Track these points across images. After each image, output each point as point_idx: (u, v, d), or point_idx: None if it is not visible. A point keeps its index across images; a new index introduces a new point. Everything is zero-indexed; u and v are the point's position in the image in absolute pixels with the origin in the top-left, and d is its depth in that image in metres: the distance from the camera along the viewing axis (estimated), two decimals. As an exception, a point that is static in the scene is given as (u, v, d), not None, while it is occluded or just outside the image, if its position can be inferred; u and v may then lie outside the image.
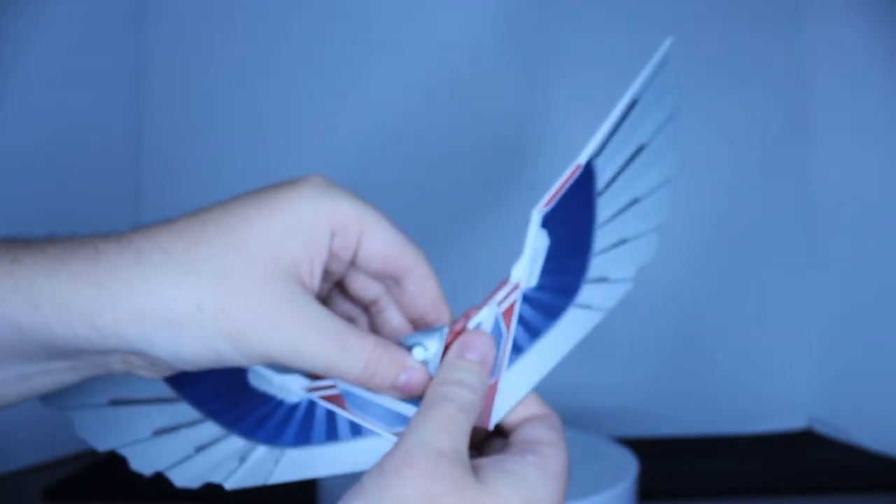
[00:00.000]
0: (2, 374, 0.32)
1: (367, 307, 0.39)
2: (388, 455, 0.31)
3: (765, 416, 0.90)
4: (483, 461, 0.32)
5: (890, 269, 0.81)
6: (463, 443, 0.31)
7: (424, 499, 0.29)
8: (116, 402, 0.38)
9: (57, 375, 0.33)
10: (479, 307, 0.37)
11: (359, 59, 0.88)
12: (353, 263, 0.37)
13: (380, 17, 0.89)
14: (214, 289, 0.32)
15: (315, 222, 0.35)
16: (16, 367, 0.33)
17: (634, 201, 0.40)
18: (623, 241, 0.40)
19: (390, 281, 0.38)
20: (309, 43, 0.89)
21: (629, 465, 0.62)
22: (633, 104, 0.38)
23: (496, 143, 0.89)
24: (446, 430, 0.31)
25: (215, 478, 0.38)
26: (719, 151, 0.90)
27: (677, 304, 0.90)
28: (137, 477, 0.37)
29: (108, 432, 0.38)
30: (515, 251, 0.37)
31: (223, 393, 0.38)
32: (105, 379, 0.37)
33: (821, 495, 0.72)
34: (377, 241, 0.36)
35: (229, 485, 0.37)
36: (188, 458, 0.38)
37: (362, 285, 0.38)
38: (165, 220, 0.33)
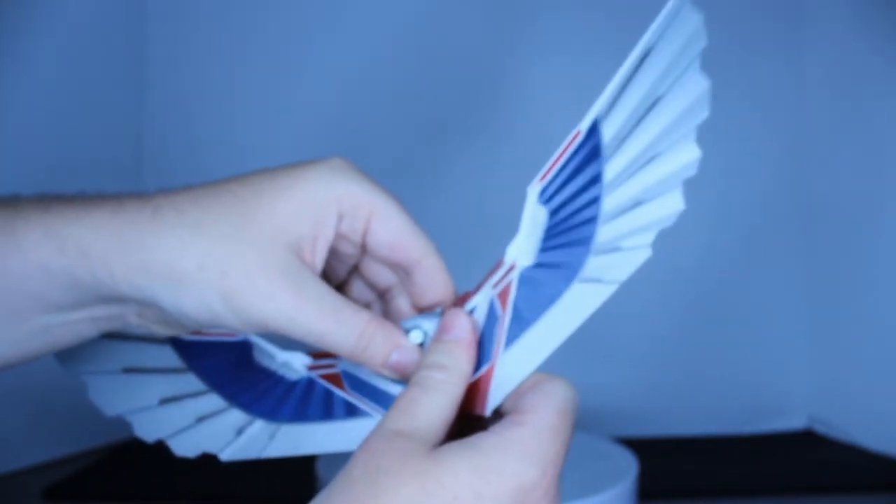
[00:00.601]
0: (27, 325, 0.35)
1: (381, 294, 0.40)
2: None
3: (765, 416, 0.90)
4: (451, 443, 0.31)
5: (890, 270, 0.81)
6: (426, 422, 0.31)
7: (371, 474, 0.29)
8: (129, 370, 0.40)
9: (77, 328, 0.36)
10: (475, 290, 0.37)
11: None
12: (364, 249, 0.38)
13: None
14: (217, 251, 0.34)
15: (324, 202, 0.36)
16: (40, 318, 0.35)
17: (653, 157, 0.36)
18: (638, 204, 0.36)
19: (400, 271, 0.38)
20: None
21: (629, 465, 0.62)
22: (645, 54, 0.34)
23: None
24: (405, 411, 0.31)
25: (212, 448, 0.38)
26: (718, 152, 0.90)
27: (677, 304, 0.90)
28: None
29: (118, 398, 0.40)
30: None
31: (228, 366, 0.40)
32: (119, 346, 0.40)
33: (821, 495, 0.72)
34: (385, 229, 0.37)
35: (224, 456, 0.38)
36: (189, 427, 0.39)
37: (376, 272, 0.39)
38: (187, 186, 0.35)
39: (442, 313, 0.36)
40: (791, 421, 0.90)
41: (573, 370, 1.00)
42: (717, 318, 0.90)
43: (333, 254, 0.37)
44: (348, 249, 0.38)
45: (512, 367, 0.35)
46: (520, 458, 0.30)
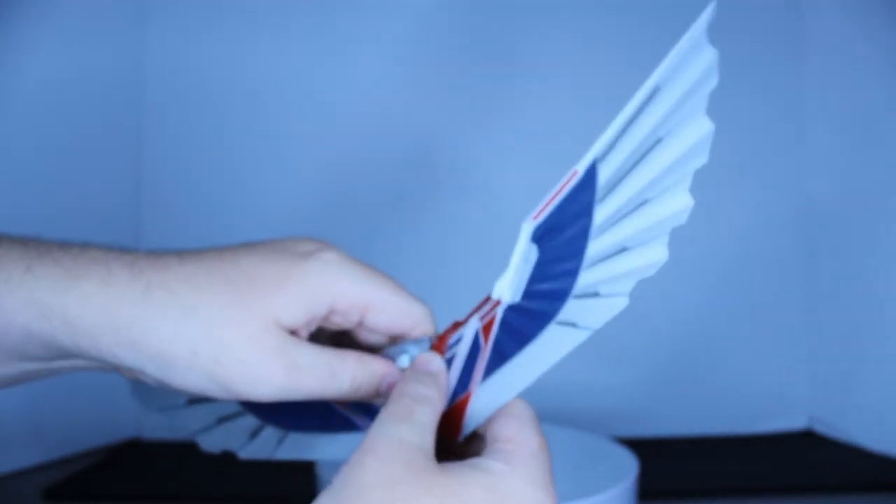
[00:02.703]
0: (3, 368, 0.35)
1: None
2: (355, 451, 0.31)
3: (765, 416, 0.90)
4: (452, 462, 0.32)
5: (889, 269, 0.81)
6: (425, 435, 0.31)
7: (384, 483, 0.29)
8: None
9: (58, 370, 0.36)
10: (464, 320, 0.37)
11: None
12: (359, 326, 0.39)
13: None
14: (210, 338, 0.34)
15: (318, 300, 0.36)
16: (20, 364, 0.35)
17: (644, 202, 0.35)
18: (622, 250, 0.35)
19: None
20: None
21: (629, 465, 0.62)
22: (654, 92, 0.33)
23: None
24: (406, 419, 0.31)
25: (232, 447, 0.42)
26: (717, 154, 0.90)
27: (677, 304, 0.90)
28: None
29: (154, 396, 0.42)
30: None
31: None
32: None
33: (821, 495, 0.72)
34: (381, 319, 0.37)
35: (242, 455, 0.41)
36: (212, 426, 0.42)
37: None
38: (176, 254, 0.35)
39: (429, 342, 0.38)
40: (791, 421, 0.90)
41: (573, 370, 1.00)
42: (717, 319, 0.90)
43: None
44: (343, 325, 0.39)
45: (486, 399, 0.35)
46: (527, 481, 0.31)
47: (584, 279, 0.35)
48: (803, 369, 0.90)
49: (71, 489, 0.72)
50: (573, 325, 0.36)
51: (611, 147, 0.34)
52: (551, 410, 0.86)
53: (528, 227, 0.35)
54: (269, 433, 0.42)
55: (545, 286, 0.36)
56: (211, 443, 0.42)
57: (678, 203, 0.35)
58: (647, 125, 0.34)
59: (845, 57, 0.85)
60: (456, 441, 0.36)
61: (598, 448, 0.67)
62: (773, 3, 0.90)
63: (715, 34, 0.34)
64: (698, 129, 0.34)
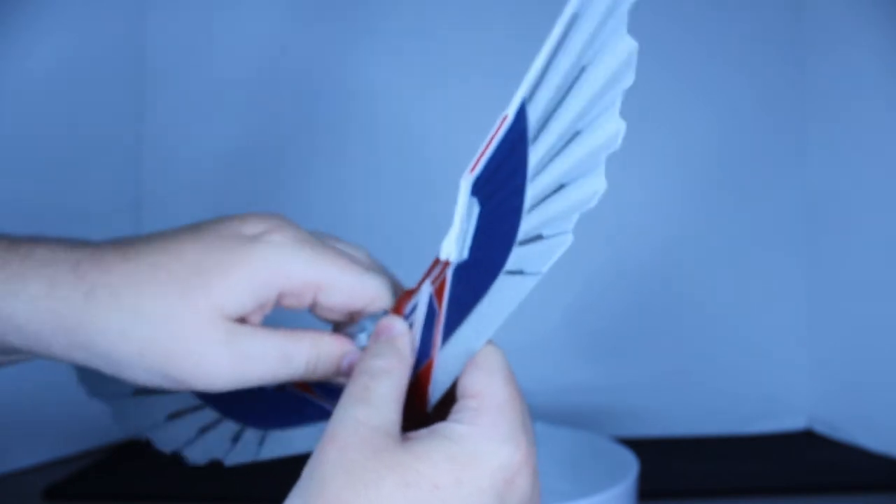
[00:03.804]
0: None
1: None
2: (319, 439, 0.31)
3: (765, 416, 0.90)
4: (417, 433, 0.31)
5: (889, 269, 0.81)
6: (385, 411, 0.31)
7: (345, 471, 0.29)
8: (138, 393, 0.42)
9: (18, 362, 0.37)
10: (417, 287, 0.36)
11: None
12: (311, 307, 0.38)
13: None
14: (156, 335, 0.34)
15: (265, 285, 0.35)
16: None
17: (576, 134, 0.34)
18: (560, 187, 0.34)
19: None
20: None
21: (629, 465, 0.62)
22: (573, 20, 0.32)
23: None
24: (362, 399, 0.31)
25: (217, 454, 0.42)
26: (717, 152, 0.90)
27: (677, 304, 0.90)
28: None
29: (134, 419, 0.43)
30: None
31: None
32: None
33: (821, 495, 0.72)
34: (335, 298, 0.37)
35: (228, 461, 0.41)
36: (195, 438, 0.42)
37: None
38: (120, 250, 0.35)
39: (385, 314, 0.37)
40: (791, 421, 0.90)
41: (574, 370, 1.00)
42: (717, 318, 0.90)
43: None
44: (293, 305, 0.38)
45: (449, 363, 0.35)
46: (491, 439, 0.30)
47: (527, 224, 0.34)
48: (803, 369, 0.90)
49: (71, 489, 0.72)
50: (521, 272, 0.35)
51: (537, 85, 0.32)
52: (551, 410, 0.86)
53: (466, 182, 0.33)
54: (250, 435, 0.42)
55: (490, 239, 0.35)
56: (197, 454, 0.42)
57: (610, 129, 0.34)
58: (570, 56, 0.33)
59: (846, 57, 0.85)
60: (425, 411, 0.35)
61: (598, 448, 0.67)
62: (773, 3, 0.90)
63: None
64: (622, 50, 0.33)
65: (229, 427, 0.42)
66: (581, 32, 0.32)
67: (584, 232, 0.36)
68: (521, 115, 0.33)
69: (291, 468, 0.78)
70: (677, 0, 0.88)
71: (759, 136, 0.90)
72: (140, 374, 0.34)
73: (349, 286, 0.36)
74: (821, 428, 0.89)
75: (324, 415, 0.40)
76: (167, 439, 0.43)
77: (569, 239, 0.34)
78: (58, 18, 0.79)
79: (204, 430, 0.42)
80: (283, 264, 0.35)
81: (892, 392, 0.80)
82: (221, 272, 0.34)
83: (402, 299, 0.37)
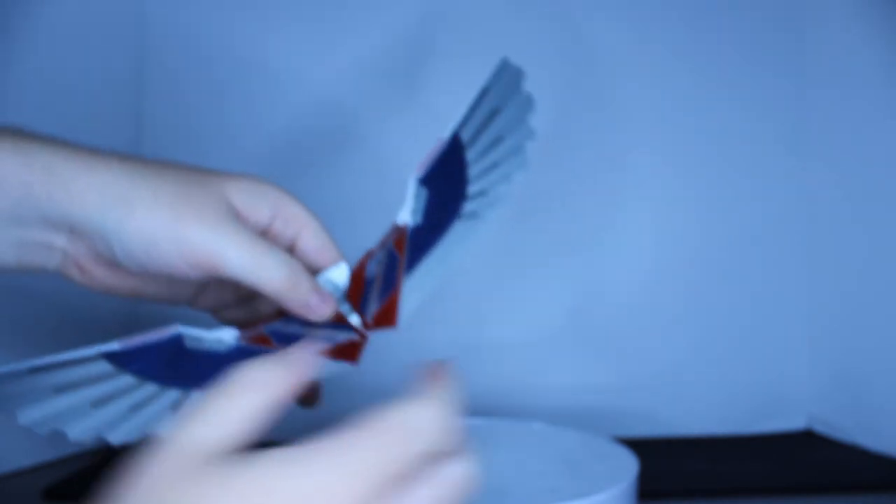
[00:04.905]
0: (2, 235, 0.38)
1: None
2: None
3: (765, 416, 0.90)
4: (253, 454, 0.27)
5: (889, 269, 0.81)
6: (221, 429, 0.27)
7: (145, 490, 0.27)
8: (59, 389, 0.43)
9: (2, 247, 0.39)
10: (377, 248, 0.45)
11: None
12: (290, 250, 0.44)
13: None
14: (170, 189, 0.38)
15: (262, 194, 0.42)
16: (14, 231, 0.38)
17: (499, 139, 0.51)
18: (495, 165, 0.51)
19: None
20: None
21: (629, 465, 0.62)
22: (484, 93, 0.47)
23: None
24: (200, 416, 0.27)
25: (150, 429, 0.43)
26: (717, 153, 0.90)
27: (677, 303, 0.90)
28: None
29: (49, 416, 0.43)
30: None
31: (163, 364, 0.42)
32: (46, 376, 0.42)
33: (821, 495, 0.72)
34: (313, 242, 0.43)
35: (163, 430, 0.41)
36: (122, 419, 0.43)
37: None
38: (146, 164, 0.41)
39: (348, 267, 0.45)
40: (791, 421, 0.90)
41: (574, 370, 0.99)
42: (717, 318, 0.90)
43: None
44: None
45: (414, 289, 0.44)
46: (328, 470, 0.25)
47: (473, 188, 0.49)
48: (803, 369, 0.90)
49: (71, 489, 0.72)
50: (475, 216, 0.49)
51: (467, 119, 0.46)
52: (551, 410, 0.86)
53: (413, 177, 0.44)
54: (196, 398, 0.42)
55: (443, 203, 0.47)
56: (121, 435, 0.43)
57: (525, 130, 0.52)
58: (487, 106, 0.48)
59: (845, 58, 0.85)
60: (394, 327, 0.42)
61: (598, 448, 0.67)
62: (772, 3, 0.90)
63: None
64: (526, 107, 0.52)
65: (170, 396, 0.43)
66: (490, 98, 0.48)
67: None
68: (454, 136, 0.46)
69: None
70: (675, 22, 0.89)
71: (759, 136, 0.91)
72: (142, 220, 0.38)
73: (327, 239, 0.44)
74: (821, 428, 0.89)
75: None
76: (85, 428, 0.43)
77: (508, 188, 0.52)
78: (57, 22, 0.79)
79: (136, 408, 0.43)
80: (283, 194, 0.43)
81: (892, 392, 0.80)
82: (228, 178, 0.42)
83: (364, 259, 0.45)
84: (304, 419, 0.84)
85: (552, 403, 0.87)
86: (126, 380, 0.42)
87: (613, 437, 0.71)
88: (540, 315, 0.88)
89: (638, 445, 0.68)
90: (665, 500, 0.70)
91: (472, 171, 0.48)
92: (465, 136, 0.47)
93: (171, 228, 0.38)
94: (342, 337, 0.43)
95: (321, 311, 0.42)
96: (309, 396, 0.47)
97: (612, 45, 0.89)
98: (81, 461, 0.80)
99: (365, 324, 0.44)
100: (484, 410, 0.84)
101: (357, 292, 0.44)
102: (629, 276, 0.89)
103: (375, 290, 0.43)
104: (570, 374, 0.88)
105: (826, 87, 0.88)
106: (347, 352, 0.43)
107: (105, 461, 0.80)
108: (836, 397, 0.87)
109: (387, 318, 0.42)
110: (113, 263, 0.40)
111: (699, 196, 0.89)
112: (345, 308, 0.44)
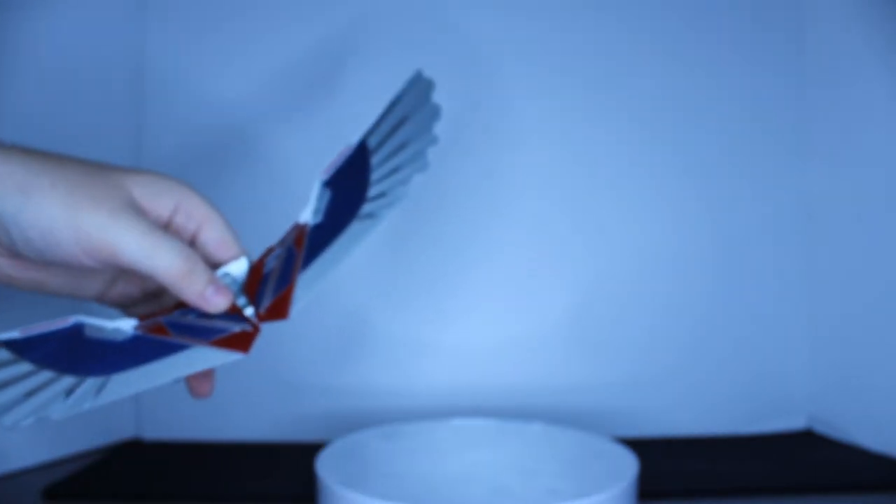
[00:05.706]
0: None
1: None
2: None
3: (765, 415, 0.90)
4: None
5: (889, 269, 0.81)
6: None
7: None
8: None
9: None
10: (277, 245, 0.48)
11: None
12: (191, 244, 0.45)
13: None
14: (69, 178, 0.39)
15: (163, 190, 0.43)
16: None
17: (404, 144, 0.53)
18: (395, 170, 0.53)
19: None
20: None
21: (629, 465, 0.62)
22: (395, 102, 0.50)
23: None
24: None
25: (43, 414, 0.42)
26: (718, 153, 0.90)
27: (676, 304, 0.90)
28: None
29: None
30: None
31: (64, 352, 0.43)
32: None
33: (820, 495, 0.72)
34: (214, 235, 0.44)
35: (55, 415, 0.42)
36: (17, 403, 0.42)
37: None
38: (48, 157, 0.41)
39: (248, 262, 0.47)
40: (791, 421, 0.90)
41: (574, 370, 0.99)
42: (717, 318, 0.90)
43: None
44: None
45: (308, 282, 0.46)
46: None
47: (373, 190, 0.52)
48: (803, 369, 0.90)
49: (71, 489, 0.72)
50: (371, 216, 0.52)
51: (375, 127, 0.50)
52: (551, 410, 0.86)
53: (318, 179, 0.47)
54: (89, 384, 0.42)
55: (344, 205, 0.49)
56: (16, 417, 0.42)
57: (428, 139, 0.55)
58: (396, 115, 0.51)
59: (845, 58, 0.85)
60: (286, 318, 0.44)
61: (598, 448, 0.67)
62: (772, 3, 0.90)
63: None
64: (433, 114, 0.55)
65: (65, 382, 0.43)
66: (399, 110, 0.52)
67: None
68: (361, 143, 0.49)
69: (292, 469, 0.79)
70: (673, 20, 0.89)
71: (758, 136, 0.91)
72: (40, 209, 0.39)
73: (229, 234, 0.45)
74: (821, 428, 0.89)
75: (174, 349, 0.43)
76: None
77: (405, 190, 0.54)
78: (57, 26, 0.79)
79: (31, 393, 0.42)
80: (185, 187, 0.44)
81: (892, 392, 0.80)
82: (129, 172, 0.42)
83: (264, 255, 0.48)
84: (289, 418, 0.84)
85: (552, 403, 0.87)
86: (24, 367, 0.42)
87: (613, 437, 0.71)
88: (540, 315, 0.88)
89: (638, 445, 0.68)
90: (665, 500, 0.70)
91: (375, 175, 0.51)
92: (373, 142, 0.50)
93: (68, 216, 0.38)
94: (236, 328, 0.45)
95: (217, 302, 0.43)
96: (202, 385, 0.48)
97: (612, 44, 0.89)
98: (81, 461, 0.80)
99: (258, 315, 0.46)
100: (484, 411, 0.84)
101: (254, 286, 0.47)
102: (629, 276, 0.89)
103: (271, 284, 0.46)
104: (569, 374, 0.88)
105: (826, 87, 0.88)
106: (239, 342, 0.45)
107: (105, 461, 0.80)
108: (836, 397, 0.87)
109: (279, 310, 0.44)
110: (14, 253, 0.40)
111: (699, 196, 0.89)
112: (241, 300, 0.46)
